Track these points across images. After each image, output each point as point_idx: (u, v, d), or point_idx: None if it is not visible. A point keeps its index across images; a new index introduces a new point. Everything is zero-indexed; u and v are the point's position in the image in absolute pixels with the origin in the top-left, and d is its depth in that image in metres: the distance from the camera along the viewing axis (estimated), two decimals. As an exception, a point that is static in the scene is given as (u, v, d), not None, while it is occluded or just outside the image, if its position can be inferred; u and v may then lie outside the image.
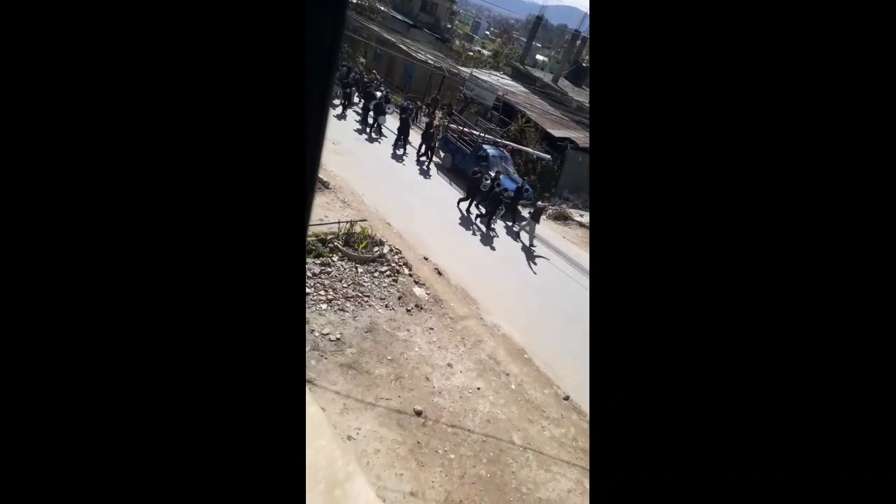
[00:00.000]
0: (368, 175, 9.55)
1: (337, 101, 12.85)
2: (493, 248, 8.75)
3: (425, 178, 10.89)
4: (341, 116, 12.44)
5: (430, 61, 17.51)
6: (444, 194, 10.41)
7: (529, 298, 7.47)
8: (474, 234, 9.03)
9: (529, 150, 13.00)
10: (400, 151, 11.51)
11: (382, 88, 13.82)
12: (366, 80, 14.23)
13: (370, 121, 12.24)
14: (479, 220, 9.43)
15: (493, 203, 9.22)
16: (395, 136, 11.78)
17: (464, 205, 9.67)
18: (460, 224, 9.28)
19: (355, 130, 11.97)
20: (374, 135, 12.01)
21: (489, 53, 27.40)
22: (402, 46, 17.89)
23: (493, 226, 9.39)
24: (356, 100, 13.48)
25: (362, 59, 18.67)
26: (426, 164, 11.34)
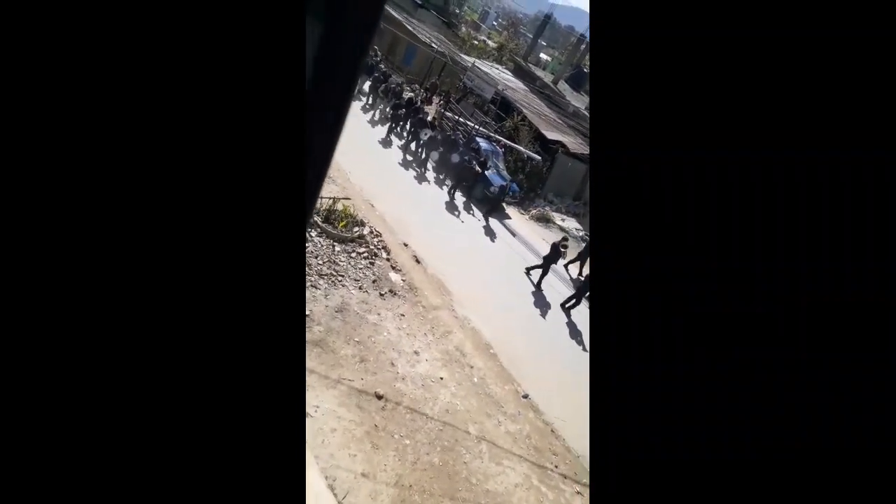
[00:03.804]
0: (358, 152, 9.43)
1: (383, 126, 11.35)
2: (478, 244, 8.80)
3: (414, 164, 10.81)
4: (386, 142, 11.03)
5: (433, 45, 17.25)
6: (432, 182, 10.38)
7: (503, 295, 7.57)
8: (461, 228, 9.06)
9: (521, 148, 13.04)
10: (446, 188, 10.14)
11: (382, 66, 13.44)
12: (418, 101, 11.89)
13: (423, 154, 10.67)
14: (565, 306, 7.95)
15: (582, 291, 7.90)
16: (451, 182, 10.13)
17: (535, 274, 8.29)
18: (449, 215, 9.29)
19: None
20: (419, 167, 10.44)
21: (494, 45, 27.10)
22: (407, 27, 17.54)
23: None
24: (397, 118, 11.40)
25: (365, 34, 18.21)
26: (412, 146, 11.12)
